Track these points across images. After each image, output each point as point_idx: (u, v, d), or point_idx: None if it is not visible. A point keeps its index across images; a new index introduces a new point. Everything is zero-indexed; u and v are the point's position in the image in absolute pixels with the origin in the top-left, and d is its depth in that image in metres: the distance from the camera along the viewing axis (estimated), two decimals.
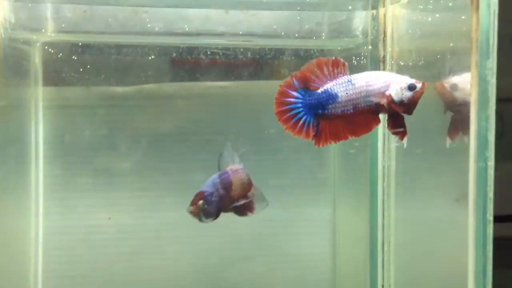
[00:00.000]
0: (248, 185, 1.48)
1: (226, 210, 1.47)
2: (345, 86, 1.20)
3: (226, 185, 1.46)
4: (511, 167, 2.55)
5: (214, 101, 1.82)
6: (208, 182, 1.45)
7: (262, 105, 1.80)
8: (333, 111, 1.21)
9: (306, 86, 1.22)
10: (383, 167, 1.61)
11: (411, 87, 1.17)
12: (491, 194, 1.03)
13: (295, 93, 1.22)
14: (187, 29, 1.62)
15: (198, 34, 1.63)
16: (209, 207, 1.44)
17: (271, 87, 1.78)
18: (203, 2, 1.57)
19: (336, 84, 1.21)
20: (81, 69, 1.73)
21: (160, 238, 1.83)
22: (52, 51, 1.71)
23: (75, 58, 1.72)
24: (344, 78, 1.21)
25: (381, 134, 1.60)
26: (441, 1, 1.23)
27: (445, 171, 1.32)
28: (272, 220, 1.83)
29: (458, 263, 1.26)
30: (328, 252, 1.88)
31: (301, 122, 1.21)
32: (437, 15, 1.29)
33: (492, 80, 1.02)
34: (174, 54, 1.69)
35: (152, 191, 1.82)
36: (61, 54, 1.71)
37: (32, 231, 1.74)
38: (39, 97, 1.74)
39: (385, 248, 1.60)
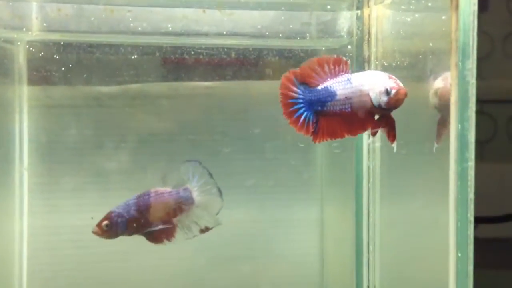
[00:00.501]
0: (174, 211, 1.43)
1: (139, 233, 1.43)
2: (343, 85, 1.21)
3: (142, 208, 1.43)
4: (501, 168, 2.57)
5: (200, 101, 1.81)
6: (121, 204, 1.43)
7: (248, 105, 1.81)
8: (331, 108, 1.22)
9: (305, 83, 1.22)
10: (368, 167, 1.61)
11: (387, 92, 1.18)
12: (471, 195, 1.03)
13: (296, 89, 1.22)
14: (170, 28, 1.61)
15: (182, 34, 1.62)
16: (113, 229, 1.41)
17: (256, 87, 1.80)
18: (186, 2, 1.56)
19: (336, 82, 1.22)
20: (66, 69, 1.72)
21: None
22: (36, 50, 1.70)
23: (60, 57, 1.71)
24: (344, 77, 1.22)
25: (365, 134, 1.60)
26: (422, 1, 1.23)
27: (430, 172, 1.32)
28: (259, 220, 1.83)
29: (442, 263, 1.26)
30: (316, 252, 1.88)
31: (302, 118, 1.22)
32: (419, 16, 1.29)
33: (472, 80, 1.02)
34: (158, 54, 1.68)
35: (139, 190, 1.80)
36: (45, 53, 1.70)
37: (17, 231, 1.73)
38: (23, 96, 1.73)
39: (370, 248, 1.60)
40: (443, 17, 1.07)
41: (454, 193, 1.02)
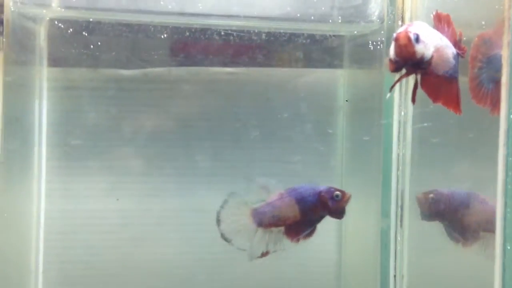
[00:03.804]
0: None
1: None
2: None
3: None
4: None
5: (221, 87, 1.79)
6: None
7: (270, 92, 1.79)
8: None
9: None
10: (398, 155, 1.58)
11: None
12: None
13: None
14: (200, 7, 1.58)
15: (210, 15, 1.58)
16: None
17: (279, 74, 1.78)
18: None
19: None
20: (87, 50, 1.69)
21: (162, 225, 1.80)
22: (58, 28, 1.67)
23: (82, 36, 1.68)
24: None
25: (396, 121, 1.56)
26: None
27: (462, 162, 1.29)
28: None
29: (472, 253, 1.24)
30: (335, 243, 1.85)
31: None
32: None
33: None
34: (187, 33, 1.64)
35: (156, 176, 1.79)
36: (68, 32, 1.67)
37: (34, 214, 1.70)
38: (43, 77, 1.71)
39: (398, 238, 1.57)
40: None
41: (502, 184, 0.95)
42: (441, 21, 1.16)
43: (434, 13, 1.16)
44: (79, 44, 1.70)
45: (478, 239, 1.26)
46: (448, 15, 1.15)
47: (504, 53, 0.95)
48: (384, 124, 1.61)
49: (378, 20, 1.61)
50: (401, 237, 1.55)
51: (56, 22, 1.67)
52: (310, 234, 1.43)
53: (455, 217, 1.31)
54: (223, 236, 1.43)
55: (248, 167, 1.81)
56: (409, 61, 1.11)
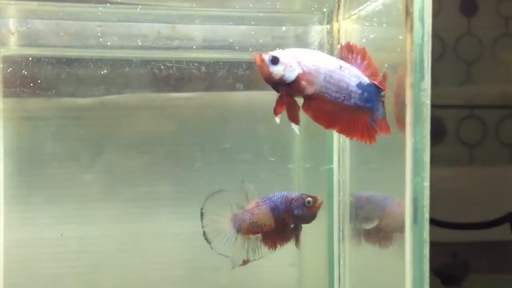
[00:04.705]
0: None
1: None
2: None
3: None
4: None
5: (177, 112, 1.80)
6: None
7: (225, 117, 1.81)
8: None
9: None
10: (339, 181, 1.61)
11: None
12: (427, 215, 1.03)
13: None
14: (139, 43, 1.61)
15: (152, 48, 1.61)
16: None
17: (229, 99, 1.79)
18: (157, 17, 1.56)
19: None
20: (42, 81, 1.71)
21: (124, 251, 1.81)
22: (11, 64, 1.69)
23: (36, 68, 1.70)
24: None
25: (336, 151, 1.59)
26: (383, 19, 1.22)
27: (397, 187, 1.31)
28: None
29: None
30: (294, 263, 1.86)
31: None
32: (380, 32, 1.27)
33: (427, 101, 1.01)
34: (128, 69, 1.67)
35: (116, 202, 1.80)
36: (21, 67, 1.69)
37: None
38: None
39: (341, 262, 1.60)
40: (400, 37, 1.06)
41: (410, 213, 1.01)
42: (352, 52, 1.19)
43: (341, 44, 1.20)
44: (34, 75, 1.71)
45: (393, 240, 1.29)
46: (363, 49, 1.18)
47: (408, 94, 0.98)
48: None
49: (317, 49, 1.64)
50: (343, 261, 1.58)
51: (9, 58, 1.69)
52: (287, 240, 1.47)
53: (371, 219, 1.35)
54: (205, 235, 1.49)
55: (206, 190, 1.82)
56: (268, 81, 1.19)
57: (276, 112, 1.22)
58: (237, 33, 1.64)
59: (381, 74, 1.17)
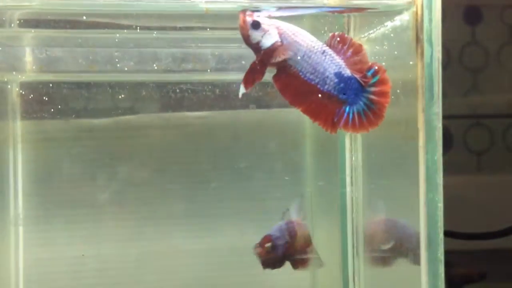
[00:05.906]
0: (308, 241, 1.50)
1: (288, 259, 1.47)
2: None
3: (292, 234, 1.47)
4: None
5: (192, 130, 1.83)
6: (275, 228, 1.46)
7: (240, 135, 1.84)
8: None
9: None
10: (351, 198, 1.63)
11: None
12: (441, 235, 1.05)
13: None
14: (156, 67, 1.64)
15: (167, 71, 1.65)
16: (274, 251, 1.43)
17: (245, 116, 1.83)
18: (171, 42, 1.59)
19: None
20: (59, 103, 1.75)
21: (141, 268, 1.84)
22: (30, 85, 1.73)
23: (53, 92, 1.74)
24: None
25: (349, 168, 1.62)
26: (394, 43, 1.24)
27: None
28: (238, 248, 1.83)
29: None
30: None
31: None
32: (390, 55, 1.29)
33: (439, 124, 1.03)
34: (144, 93, 1.71)
35: (132, 221, 1.83)
36: (38, 91, 1.73)
37: (12, 263, 1.75)
38: (17, 130, 1.76)
39: (356, 279, 1.62)
40: (410, 62, 1.09)
41: (425, 234, 1.03)
42: (344, 44, 1.17)
43: (334, 33, 1.19)
44: (50, 98, 1.75)
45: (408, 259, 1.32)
46: (360, 44, 1.17)
47: (420, 118, 1.01)
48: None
49: None
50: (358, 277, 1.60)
51: (27, 83, 1.74)
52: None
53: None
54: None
55: (220, 208, 1.85)
56: (245, 42, 1.19)
57: (244, 81, 1.20)
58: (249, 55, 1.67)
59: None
